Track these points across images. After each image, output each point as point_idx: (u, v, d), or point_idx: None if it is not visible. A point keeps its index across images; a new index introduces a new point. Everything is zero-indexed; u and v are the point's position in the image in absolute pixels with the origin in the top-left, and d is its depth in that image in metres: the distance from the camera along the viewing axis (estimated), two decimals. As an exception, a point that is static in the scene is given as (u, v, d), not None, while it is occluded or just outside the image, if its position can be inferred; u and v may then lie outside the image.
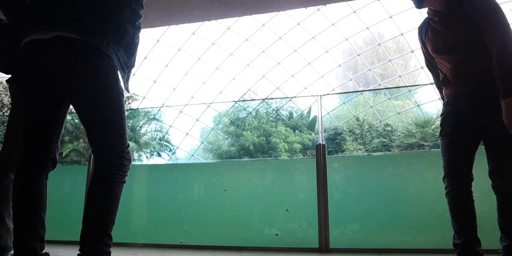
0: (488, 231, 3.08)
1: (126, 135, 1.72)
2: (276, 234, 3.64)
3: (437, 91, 2.19)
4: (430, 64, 2.17)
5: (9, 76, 2.19)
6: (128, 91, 1.88)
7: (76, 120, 15.84)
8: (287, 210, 3.73)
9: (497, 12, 1.80)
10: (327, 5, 12.01)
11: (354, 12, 16.79)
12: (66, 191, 4.34)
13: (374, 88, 23.85)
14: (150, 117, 19.12)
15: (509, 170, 1.83)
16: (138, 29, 1.76)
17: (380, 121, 20.50)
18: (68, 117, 15.71)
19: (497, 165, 1.86)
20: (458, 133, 1.95)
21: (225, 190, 3.94)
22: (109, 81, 1.67)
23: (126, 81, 1.85)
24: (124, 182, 1.69)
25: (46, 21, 1.64)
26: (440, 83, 2.06)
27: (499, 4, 1.87)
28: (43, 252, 1.61)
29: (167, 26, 11.61)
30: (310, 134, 18.33)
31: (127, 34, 1.71)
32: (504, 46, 1.74)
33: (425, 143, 15.46)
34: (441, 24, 1.96)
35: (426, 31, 2.05)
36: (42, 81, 1.67)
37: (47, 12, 1.66)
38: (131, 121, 17.45)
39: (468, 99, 1.92)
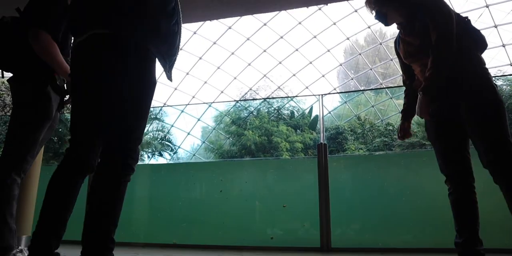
0: (489, 231, 3.07)
1: (137, 132, 1.65)
2: (271, 238, 3.63)
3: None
4: (405, 73, 2.32)
5: (11, 75, 2.19)
6: (170, 80, 1.88)
7: (78, 120, 15.83)
8: (284, 206, 3.73)
9: (441, 18, 1.91)
10: (328, 4, 11.99)
11: (356, 11, 16.76)
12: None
13: (375, 87, 23.79)
14: (152, 116, 19.12)
15: (488, 157, 1.86)
16: (171, 16, 1.72)
17: (382, 120, 20.46)
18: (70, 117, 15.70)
19: (480, 156, 1.91)
20: (443, 137, 2.04)
21: (220, 191, 3.95)
22: (132, 74, 1.63)
23: (169, 70, 1.83)
24: (128, 181, 1.64)
25: (84, 22, 1.68)
26: (414, 85, 2.20)
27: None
28: (55, 251, 1.64)
29: (168, 26, 11.57)
30: (312, 134, 18.30)
31: (160, 23, 1.69)
32: (438, 50, 1.87)
33: (426, 142, 15.41)
34: (405, 34, 2.14)
35: (399, 43, 2.23)
36: (81, 83, 1.69)
37: (84, 14, 1.70)
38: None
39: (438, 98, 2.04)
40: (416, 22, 2.05)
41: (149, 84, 1.68)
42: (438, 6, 1.95)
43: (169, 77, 1.87)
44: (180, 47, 1.86)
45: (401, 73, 2.36)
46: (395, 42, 2.32)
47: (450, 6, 1.99)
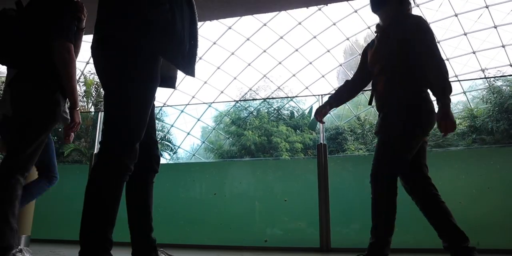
0: (489, 231, 3.08)
1: (134, 131, 1.63)
2: (265, 241, 3.63)
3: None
4: (357, 74, 2.44)
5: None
6: (192, 75, 1.77)
7: (78, 120, 15.81)
8: (285, 200, 3.74)
9: (433, 41, 2.02)
10: (328, 4, 11.99)
11: (355, 11, 16.77)
12: (67, 190, 4.34)
13: (375, 88, 23.76)
14: (151, 116, 19.09)
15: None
16: (160, 3, 1.66)
17: (381, 121, 20.47)
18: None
19: None
20: None
21: (215, 194, 3.96)
22: (121, 74, 1.64)
23: (185, 65, 1.73)
24: (124, 180, 1.62)
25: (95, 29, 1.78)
26: (375, 105, 2.31)
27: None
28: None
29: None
30: (311, 134, 18.28)
31: (150, 16, 1.65)
32: (440, 67, 1.95)
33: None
34: (378, 38, 2.22)
35: (371, 47, 2.31)
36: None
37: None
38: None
39: (380, 112, 2.23)
40: (393, 33, 2.11)
41: (142, 83, 1.66)
42: (432, 40, 2.03)
43: (189, 73, 1.76)
44: (193, 35, 1.74)
45: (354, 72, 2.46)
46: (368, 44, 2.38)
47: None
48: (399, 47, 2.06)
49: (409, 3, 2.21)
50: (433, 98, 2.07)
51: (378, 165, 2.09)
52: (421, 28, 2.02)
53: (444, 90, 1.92)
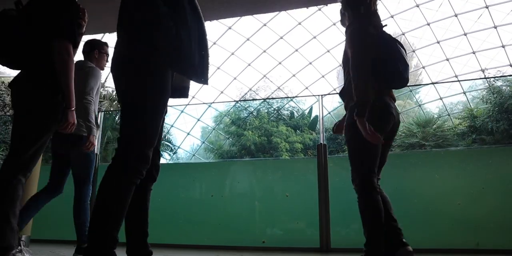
0: (489, 231, 3.08)
1: (143, 136, 1.70)
2: (263, 242, 3.64)
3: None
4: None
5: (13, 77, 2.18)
6: (205, 83, 1.87)
7: (78, 120, 15.82)
8: (286, 195, 3.75)
9: (357, 51, 2.10)
10: (328, 5, 11.98)
11: (355, 11, 16.76)
12: (67, 190, 4.34)
13: (375, 88, 23.72)
14: (152, 116, 19.04)
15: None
16: (158, 22, 1.71)
17: (381, 121, 20.45)
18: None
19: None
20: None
21: (212, 196, 3.96)
22: (130, 83, 1.74)
23: (197, 76, 1.83)
24: (134, 183, 1.67)
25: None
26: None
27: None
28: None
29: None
30: (311, 134, 18.29)
31: (151, 34, 1.72)
32: (355, 80, 2.07)
33: (426, 143, 15.40)
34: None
35: None
36: None
37: None
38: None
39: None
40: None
41: (153, 93, 1.73)
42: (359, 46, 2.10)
43: (202, 82, 1.86)
44: (203, 46, 1.81)
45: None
46: None
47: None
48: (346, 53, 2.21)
49: (359, 13, 2.24)
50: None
51: (352, 172, 2.28)
52: (349, 38, 2.14)
53: (359, 110, 2.03)
